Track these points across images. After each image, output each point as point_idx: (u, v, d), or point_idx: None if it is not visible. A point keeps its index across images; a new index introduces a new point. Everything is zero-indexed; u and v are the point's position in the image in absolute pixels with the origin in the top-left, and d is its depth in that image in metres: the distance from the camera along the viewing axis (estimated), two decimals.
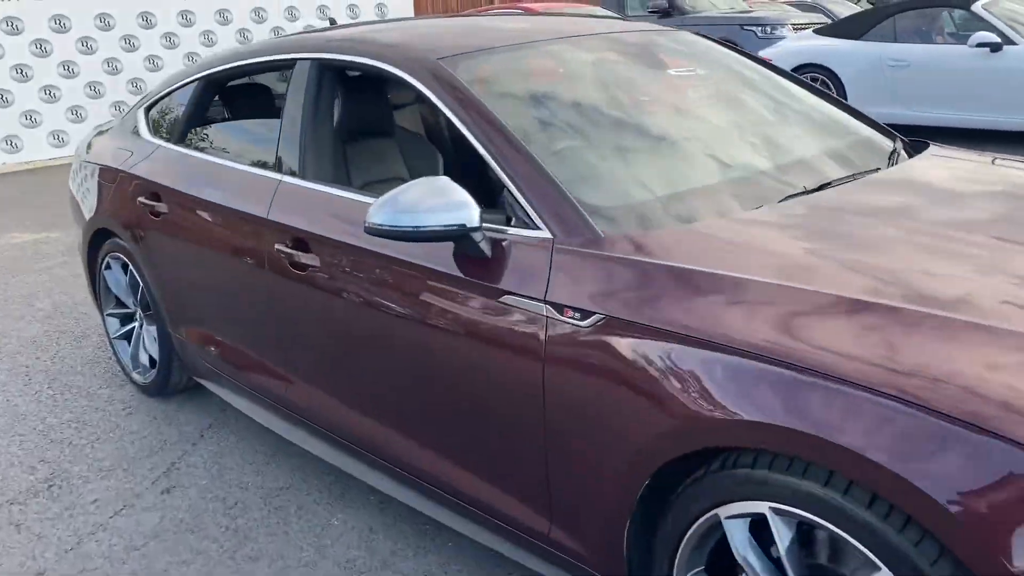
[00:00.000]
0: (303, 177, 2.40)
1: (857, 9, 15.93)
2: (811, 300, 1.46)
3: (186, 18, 9.96)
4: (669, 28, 2.79)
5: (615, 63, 2.41)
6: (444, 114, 2.08)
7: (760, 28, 10.75)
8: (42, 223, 6.30)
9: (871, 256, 1.61)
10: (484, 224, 1.83)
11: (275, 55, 2.68)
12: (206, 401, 3.22)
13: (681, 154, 2.08)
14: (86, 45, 9.36)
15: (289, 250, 2.31)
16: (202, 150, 2.90)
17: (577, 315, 1.65)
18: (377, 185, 2.70)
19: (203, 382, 3.04)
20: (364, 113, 2.69)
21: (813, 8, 15.28)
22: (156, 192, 2.90)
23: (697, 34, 2.83)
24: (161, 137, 3.10)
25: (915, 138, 2.54)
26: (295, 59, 2.56)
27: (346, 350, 2.24)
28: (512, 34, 2.44)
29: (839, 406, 1.31)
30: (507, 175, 1.89)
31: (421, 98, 3.39)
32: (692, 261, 1.61)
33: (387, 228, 1.82)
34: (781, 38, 10.13)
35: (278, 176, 2.47)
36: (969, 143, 2.36)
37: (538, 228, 1.80)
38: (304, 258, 2.27)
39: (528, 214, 1.83)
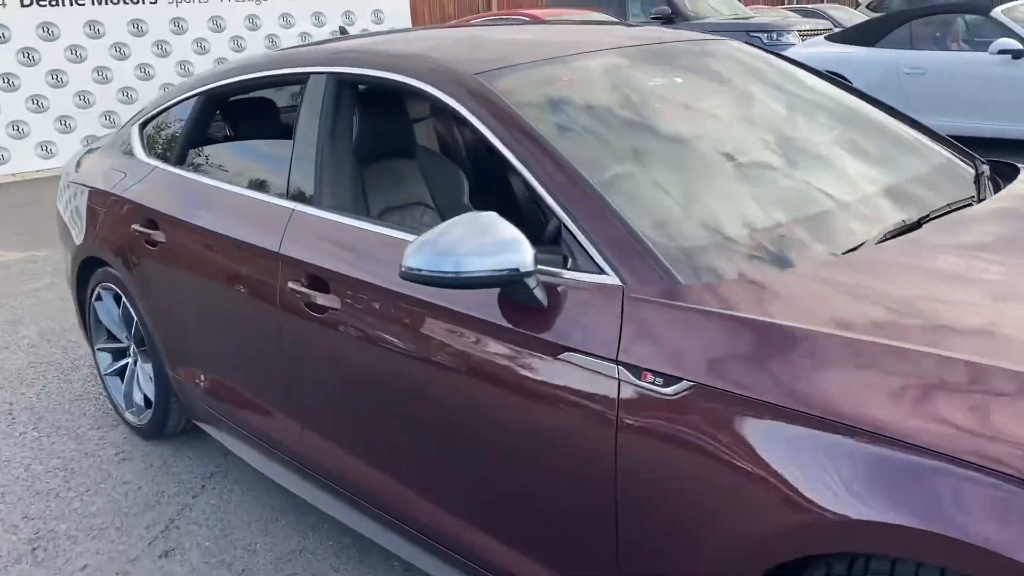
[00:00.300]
0: (320, 205, 2.14)
1: (857, 15, 15.79)
2: (957, 370, 1.20)
3: (178, 25, 9.69)
4: (719, 37, 2.54)
5: (671, 76, 2.15)
6: (482, 136, 1.83)
7: (766, 35, 10.53)
8: (29, 240, 6.01)
9: (1012, 310, 1.36)
10: (538, 267, 1.58)
11: (285, 68, 2.42)
12: (207, 445, 2.94)
13: (759, 183, 1.82)
14: (75, 53, 9.07)
15: (305, 289, 2.05)
16: (203, 173, 2.63)
17: (659, 380, 1.40)
18: (397, 211, 2.45)
19: (204, 427, 2.77)
20: (385, 133, 2.43)
21: (814, 14, 15.12)
22: (152, 219, 2.63)
23: (749, 43, 2.59)
24: (157, 157, 2.83)
25: (994, 159, 2.30)
26: (308, 73, 2.30)
27: (370, 403, 1.97)
28: (551, 46, 2.19)
29: (1000, 508, 1.06)
30: (563, 209, 1.63)
31: (453, 117, 3.16)
32: (799, 318, 1.35)
33: (426, 273, 1.56)
34: (789, 45, 9.92)
35: (290, 204, 2.20)
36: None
37: (603, 273, 1.55)
38: (322, 299, 2.00)
39: (591, 256, 1.57)
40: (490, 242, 1.54)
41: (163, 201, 2.62)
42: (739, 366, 1.33)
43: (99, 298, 3.07)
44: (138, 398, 3.04)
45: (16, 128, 8.77)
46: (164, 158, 2.80)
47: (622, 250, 1.54)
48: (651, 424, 1.39)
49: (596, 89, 2.01)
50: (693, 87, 2.15)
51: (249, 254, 2.25)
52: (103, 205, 2.89)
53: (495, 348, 1.65)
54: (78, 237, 3.07)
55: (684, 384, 1.37)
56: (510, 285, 1.57)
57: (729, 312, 1.39)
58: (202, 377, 2.62)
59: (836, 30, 10.44)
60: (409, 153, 2.54)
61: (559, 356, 1.53)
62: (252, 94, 2.85)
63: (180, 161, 2.73)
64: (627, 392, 1.43)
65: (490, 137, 1.80)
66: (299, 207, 2.18)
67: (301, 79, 2.34)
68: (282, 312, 2.14)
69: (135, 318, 2.87)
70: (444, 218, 2.57)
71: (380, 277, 1.89)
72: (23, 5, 8.70)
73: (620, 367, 1.44)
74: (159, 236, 2.59)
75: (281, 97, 3.01)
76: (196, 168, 2.69)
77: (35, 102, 8.89)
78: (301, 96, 2.29)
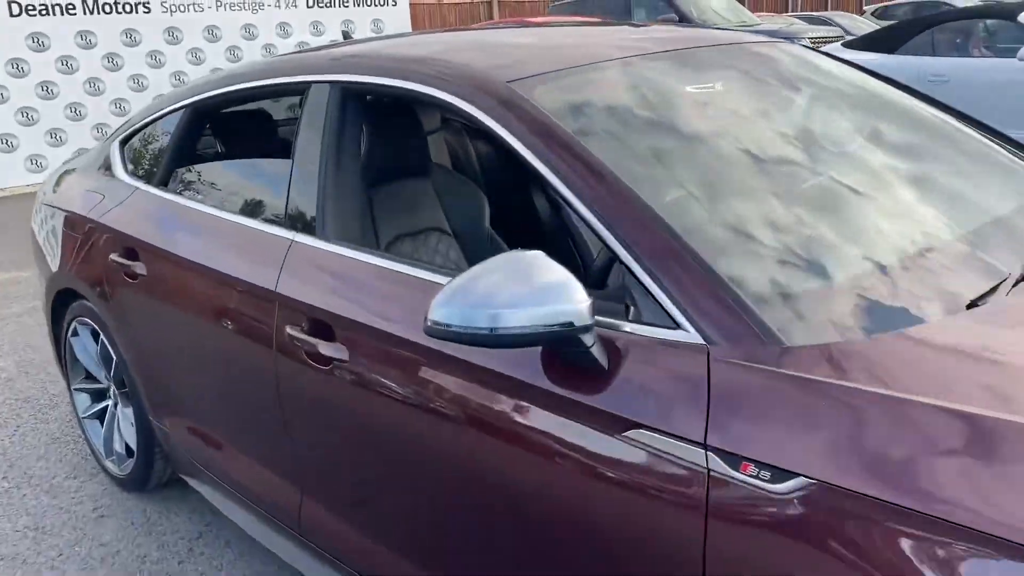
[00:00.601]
0: (323, 236, 1.83)
1: (862, 21, 15.56)
2: None
3: (173, 35, 9.41)
4: (776, 39, 2.24)
5: (739, 84, 1.84)
6: (510, 153, 1.53)
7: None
8: (13, 260, 5.70)
9: None
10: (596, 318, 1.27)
11: (282, 77, 2.11)
12: (195, 499, 2.62)
13: (862, 213, 1.51)
14: (66, 64, 8.79)
15: (306, 336, 1.73)
16: (190, 196, 2.32)
17: (764, 474, 1.08)
18: (409, 238, 2.15)
19: (191, 481, 2.45)
20: (396, 149, 2.13)
21: (822, 21, 14.91)
22: (132, 248, 2.32)
23: (809, 48, 2.29)
24: (139, 177, 2.52)
25: None
26: (308, 82, 1.99)
27: (385, 475, 1.66)
28: (589, 50, 1.89)
29: None
30: (625, 246, 1.32)
31: (468, 131, 2.87)
32: (956, 396, 1.04)
33: (457, 330, 1.24)
34: None
35: (289, 234, 1.89)
36: None
37: (679, 328, 1.24)
38: (326, 348, 1.69)
39: (662, 305, 1.26)
40: (535, 289, 1.23)
41: (144, 228, 2.31)
42: (877, 461, 1.02)
43: (75, 333, 2.76)
44: (119, 446, 2.72)
45: (5, 142, 8.49)
46: (147, 178, 2.49)
47: (704, 299, 1.23)
48: (753, 531, 1.08)
49: (652, 99, 1.70)
50: (768, 96, 1.84)
51: (241, 292, 1.94)
52: (79, 231, 2.58)
53: (540, 418, 1.33)
54: (53, 265, 2.76)
55: (800, 481, 1.05)
56: (560, 342, 1.26)
57: (857, 386, 1.08)
58: (189, 428, 2.30)
59: (849, 37, 10.18)
60: (422, 172, 2.24)
61: (625, 433, 1.22)
62: (246, 106, 2.55)
63: (164, 182, 2.42)
64: (720, 487, 1.11)
65: (528, 157, 1.50)
66: (299, 237, 1.87)
67: (300, 89, 2.03)
68: (279, 361, 1.83)
69: (114, 358, 2.56)
70: (462, 245, 2.27)
71: (395, 324, 1.58)
72: (12, 15, 8.43)
73: (710, 453, 1.13)
74: (139, 268, 2.27)
75: (278, 110, 2.71)
76: (182, 190, 2.38)
77: (25, 114, 8.61)
78: (301, 108, 1.99)
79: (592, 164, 1.43)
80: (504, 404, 1.39)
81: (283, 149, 2.13)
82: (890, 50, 7.49)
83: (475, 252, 2.29)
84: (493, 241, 2.34)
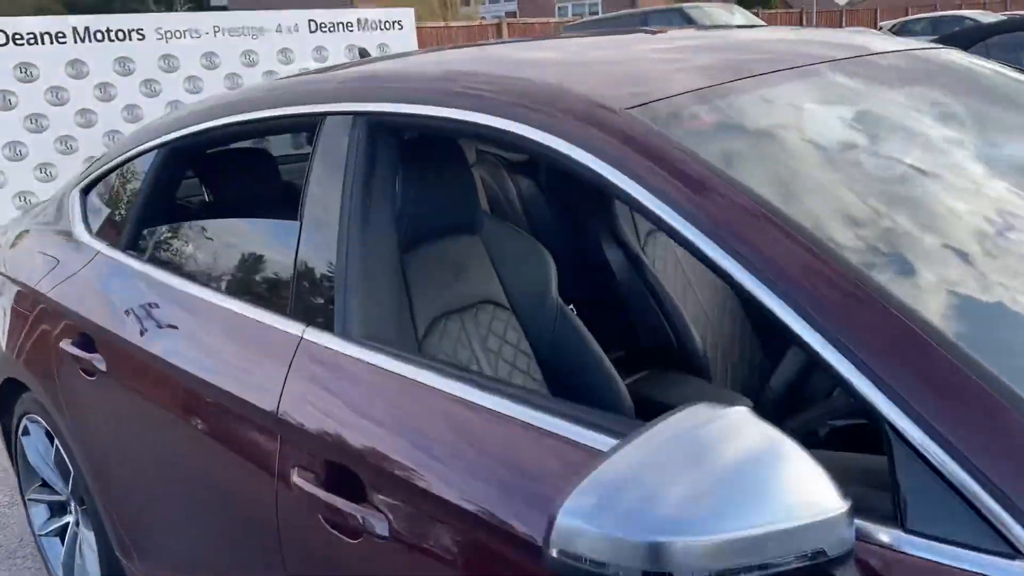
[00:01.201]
0: (344, 331, 1.27)
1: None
2: None
3: (168, 63, 8.90)
4: (935, 45, 1.70)
5: (943, 106, 1.29)
6: (666, 226, 0.97)
7: None
8: None
9: None
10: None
11: (285, 107, 1.55)
12: None
13: None
14: (56, 96, 8.29)
15: (321, 491, 1.16)
16: (162, 264, 1.75)
17: None
18: (456, 316, 1.59)
19: None
20: (441, 200, 1.57)
21: None
22: (87, 335, 1.76)
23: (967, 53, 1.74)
24: (103, 237, 1.96)
25: None
26: (322, 114, 1.43)
27: None
28: (713, 64, 1.34)
29: None
30: (904, 406, 0.75)
31: (515, 167, 2.33)
32: None
33: (606, 560, 0.68)
34: None
35: (297, 327, 1.33)
36: None
37: (1021, 555, 0.67)
38: (355, 512, 1.12)
39: (989, 517, 0.69)
40: (740, 487, 0.67)
41: (103, 309, 1.74)
42: None
43: (27, 432, 2.19)
44: (81, 575, 2.14)
45: None
46: (111, 239, 1.92)
47: None
48: None
49: (836, 129, 1.14)
50: (992, 120, 1.29)
51: (228, 411, 1.37)
52: (27, 308, 2.02)
53: None
54: (1, 342, 2.20)
55: None
56: None
57: None
58: (162, 573, 1.73)
59: None
60: (471, 227, 1.68)
61: None
62: (237, 145, 2.00)
63: (132, 245, 1.85)
64: None
65: (679, 228, 0.93)
66: (310, 333, 1.31)
67: (310, 123, 1.48)
68: (284, 515, 1.26)
69: (72, 470, 1.99)
70: (522, 323, 1.70)
71: (468, 490, 1.02)
72: None
73: None
74: (97, 362, 1.70)
75: (281, 149, 2.15)
76: (153, 256, 1.81)
77: (12, 149, 8.10)
78: (313, 149, 1.43)
79: (807, 245, 0.86)
80: None
81: (287, 204, 1.57)
82: None
83: (540, 332, 1.71)
84: (563, 316, 1.76)
